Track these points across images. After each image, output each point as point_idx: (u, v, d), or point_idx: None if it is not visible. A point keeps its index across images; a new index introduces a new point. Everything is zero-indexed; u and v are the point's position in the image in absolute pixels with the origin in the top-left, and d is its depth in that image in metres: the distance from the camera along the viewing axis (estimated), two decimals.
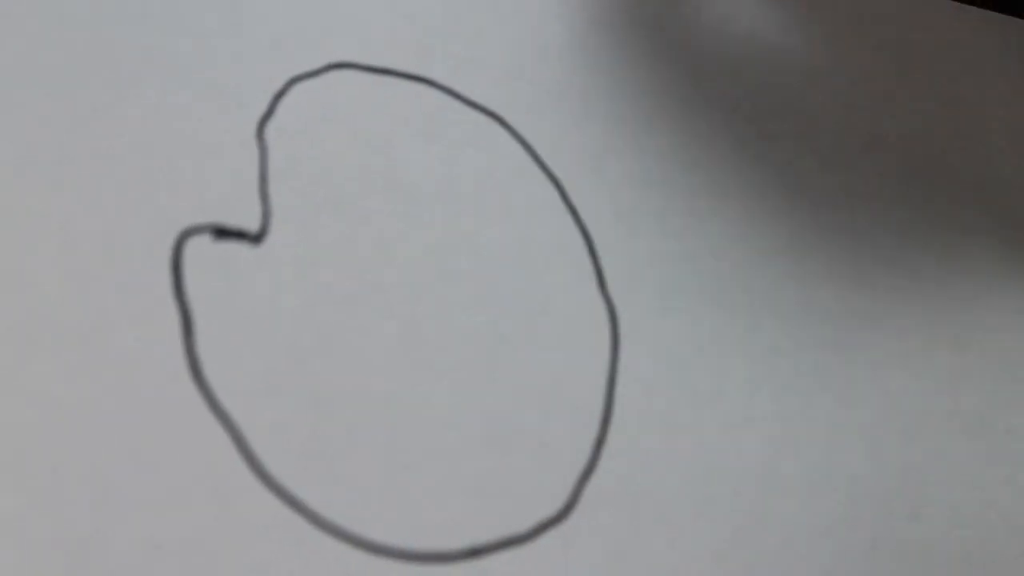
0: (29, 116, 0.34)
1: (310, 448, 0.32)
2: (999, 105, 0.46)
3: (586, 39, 0.42)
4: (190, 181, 0.35)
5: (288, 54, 0.37)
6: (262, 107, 0.36)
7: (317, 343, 0.34)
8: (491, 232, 0.38)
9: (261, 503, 0.31)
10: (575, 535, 0.34)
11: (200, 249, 0.34)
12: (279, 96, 0.37)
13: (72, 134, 0.34)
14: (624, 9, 0.43)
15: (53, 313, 0.32)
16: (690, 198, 0.41)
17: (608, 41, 0.42)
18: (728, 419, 0.37)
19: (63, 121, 0.34)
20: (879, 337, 0.40)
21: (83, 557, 0.29)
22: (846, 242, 0.42)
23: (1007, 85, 0.46)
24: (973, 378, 0.41)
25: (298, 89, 0.37)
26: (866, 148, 0.43)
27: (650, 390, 0.37)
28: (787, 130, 0.43)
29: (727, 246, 0.41)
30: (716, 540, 0.35)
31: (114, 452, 0.31)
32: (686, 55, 0.43)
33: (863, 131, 0.44)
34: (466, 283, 0.36)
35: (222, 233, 0.34)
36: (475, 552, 0.32)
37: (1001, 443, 0.40)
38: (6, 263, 0.32)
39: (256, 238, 0.34)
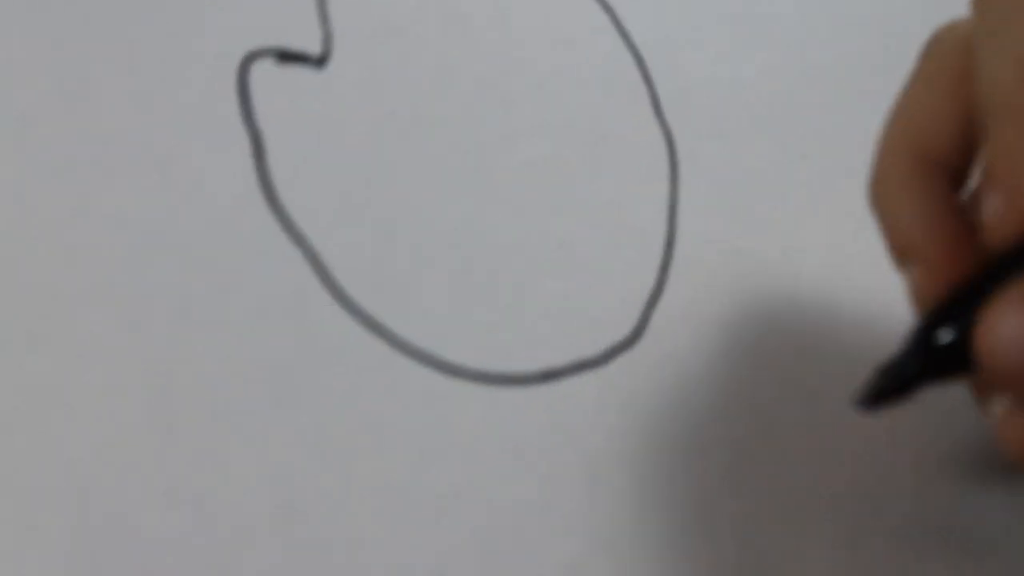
0: None
1: (385, 272, 0.32)
2: None
3: None
4: (250, 5, 0.34)
5: None
6: None
7: (385, 168, 0.33)
8: (547, 59, 0.37)
9: (340, 326, 0.31)
10: (645, 359, 0.34)
11: (265, 74, 0.33)
12: None
13: None
14: None
15: (125, 142, 0.32)
16: (742, 23, 0.41)
17: None
18: (787, 242, 0.37)
19: None
20: None
21: (169, 379, 0.29)
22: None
23: None
24: None
25: None
26: None
27: (710, 215, 0.37)
28: None
29: (778, 71, 0.40)
30: (780, 361, 0.36)
31: (193, 278, 0.31)
32: None
33: None
34: (524, 110, 0.36)
35: (285, 57, 0.33)
36: (549, 375, 0.32)
37: None
38: (80, 94, 0.32)
39: (319, 62, 0.34)
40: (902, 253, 0.30)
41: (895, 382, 0.30)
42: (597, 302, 0.34)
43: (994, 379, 0.27)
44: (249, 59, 0.33)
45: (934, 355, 0.29)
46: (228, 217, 0.31)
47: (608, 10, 0.39)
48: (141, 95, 0.32)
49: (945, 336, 0.29)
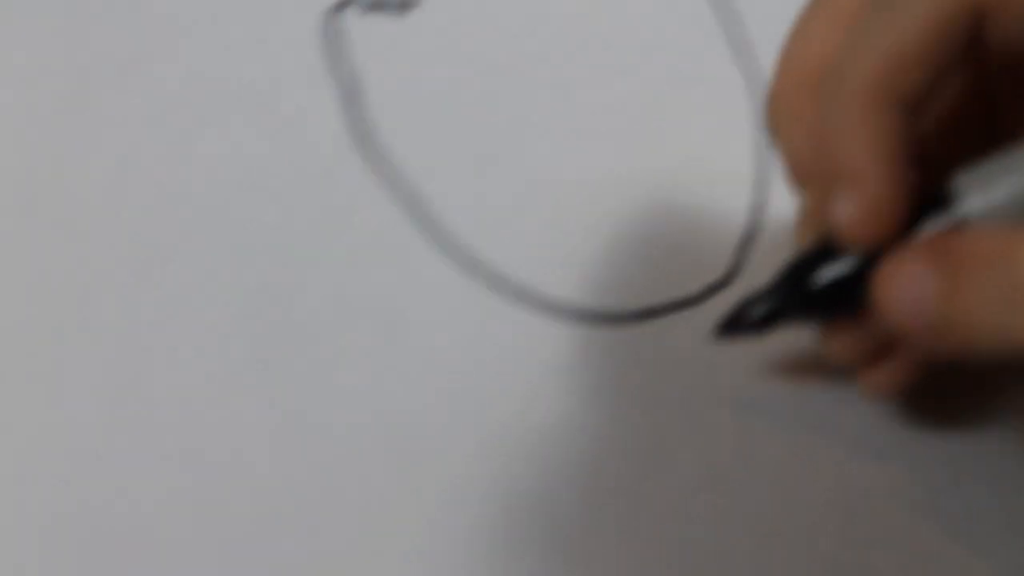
0: None
1: (481, 212, 0.32)
2: None
3: None
4: None
5: None
6: None
7: (476, 111, 0.33)
8: (635, 2, 0.37)
9: (437, 267, 0.31)
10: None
11: (352, 20, 0.34)
12: None
13: None
14: None
15: (219, 84, 0.32)
16: None
17: None
18: None
19: None
20: None
21: (272, 308, 0.30)
22: None
23: None
24: None
25: None
26: None
27: None
28: None
29: None
30: None
31: (293, 220, 0.31)
32: None
33: None
34: (613, 49, 0.36)
35: (372, 5, 0.33)
36: (648, 313, 0.32)
37: None
38: (170, 46, 0.32)
39: (404, 5, 0.34)
40: (794, 175, 0.30)
41: (756, 313, 0.30)
42: (692, 242, 0.34)
43: (889, 323, 0.27)
44: (339, 5, 0.33)
45: (806, 294, 0.29)
46: (322, 162, 0.32)
47: None
48: (230, 47, 0.33)
49: (822, 277, 0.29)
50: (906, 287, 0.27)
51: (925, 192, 0.28)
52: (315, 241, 0.31)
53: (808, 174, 0.30)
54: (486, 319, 0.31)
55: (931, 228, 0.28)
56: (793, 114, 0.30)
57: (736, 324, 0.30)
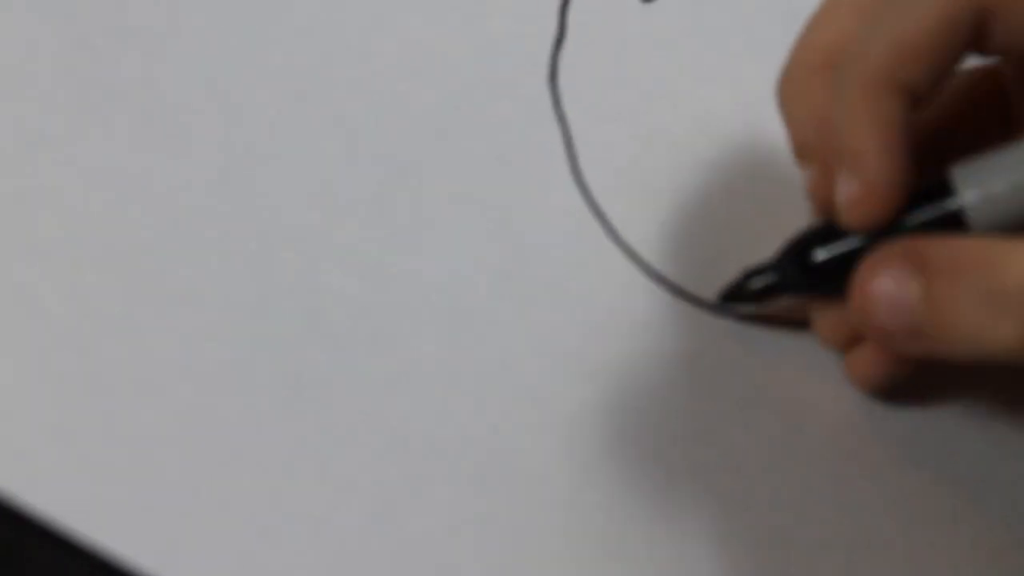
0: None
1: (630, 179, 0.37)
2: None
3: None
4: None
5: None
6: None
7: (665, 93, 0.38)
8: None
9: (573, 209, 0.36)
10: None
11: None
12: None
13: None
14: None
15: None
16: None
17: None
18: None
19: None
20: None
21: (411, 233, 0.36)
22: None
23: None
24: None
25: None
26: None
27: None
28: None
29: None
30: None
31: (465, 123, 0.37)
32: None
33: None
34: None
35: None
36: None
37: None
38: None
39: None
40: (800, 152, 0.31)
41: (762, 284, 0.32)
42: None
43: (864, 324, 0.29)
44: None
45: (804, 270, 0.31)
46: (512, 85, 0.37)
47: None
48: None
49: (819, 255, 0.30)
50: (887, 288, 0.28)
51: (925, 183, 0.29)
52: (486, 145, 0.37)
53: (812, 151, 0.31)
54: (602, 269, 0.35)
55: (927, 217, 0.29)
56: (802, 94, 0.31)
57: (737, 293, 0.33)
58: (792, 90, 0.32)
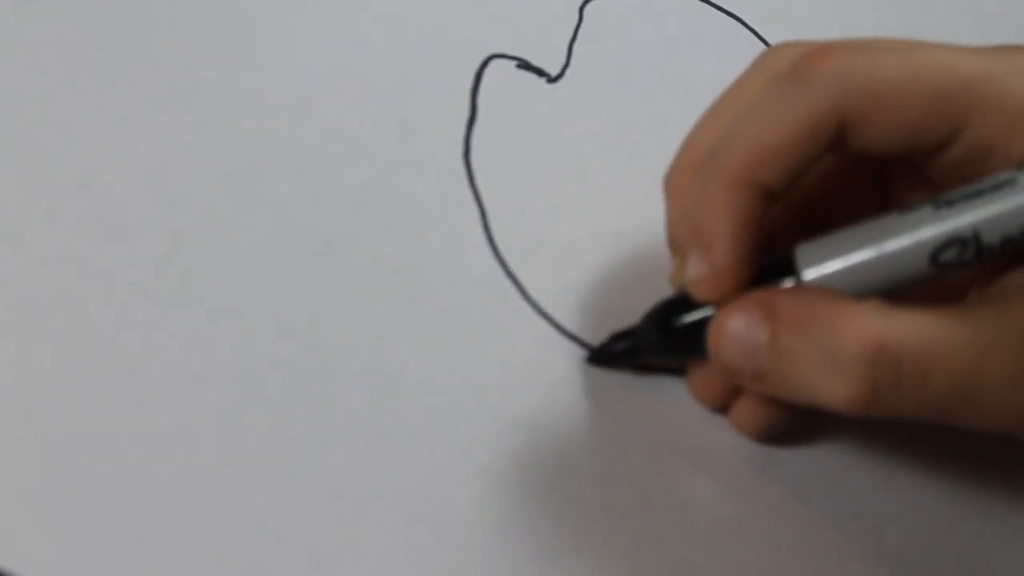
0: None
1: (541, 245, 0.40)
2: None
3: None
4: (515, 24, 0.43)
5: None
6: None
7: (571, 164, 0.41)
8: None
9: (489, 273, 0.39)
10: None
11: (503, 71, 0.43)
12: None
13: None
14: None
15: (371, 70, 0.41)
16: None
17: None
18: None
19: None
20: None
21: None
22: None
23: None
24: None
25: None
26: None
27: None
28: None
29: None
30: None
31: (387, 199, 0.39)
32: None
33: None
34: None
35: (525, 66, 0.43)
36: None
37: None
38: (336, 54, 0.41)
39: (551, 80, 0.43)
40: (672, 244, 0.34)
41: (627, 346, 0.35)
42: None
43: (718, 367, 0.32)
44: (495, 56, 0.42)
45: (668, 332, 0.34)
46: (429, 163, 0.40)
47: None
48: (398, 61, 0.42)
49: (680, 320, 0.33)
50: (737, 330, 0.31)
51: (771, 259, 0.32)
52: (398, 214, 0.39)
53: (679, 240, 0.33)
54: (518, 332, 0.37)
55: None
56: (678, 191, 0.33)
57: (603, 355, 0.36)
58: (673, 186, 0.34)
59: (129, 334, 0.34)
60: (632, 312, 0.37)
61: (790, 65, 0.31)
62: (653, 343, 0.35)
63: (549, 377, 0.37)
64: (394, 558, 0.33)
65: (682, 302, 0.34)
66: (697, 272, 0.32)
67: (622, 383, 0.37)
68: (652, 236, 0.39)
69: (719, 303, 0.32)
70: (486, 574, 0.33)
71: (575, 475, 0.35)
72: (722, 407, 0.36)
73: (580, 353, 0.38)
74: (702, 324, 0.33)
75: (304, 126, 0.40)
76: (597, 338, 0.38)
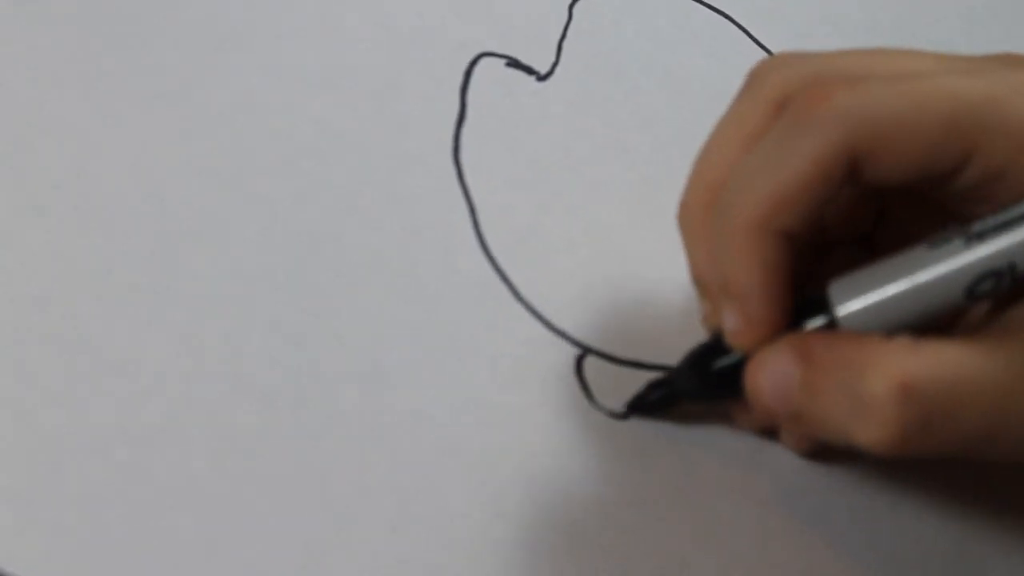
0: None
1: (531, 243, 0.40)
2: None
3: None
4: (506, 22, 0.43)
5: None
6: None
7: (560, 162, 0.41)
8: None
9: (479, 271, 0.39)
10: None
11: (493, 69, 0.43)
12: None
13: None
14: None
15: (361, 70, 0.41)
16: None
17: None
18: None
19: None
20: None
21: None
22: None
23: None
24: None
25: None
26: None
27: None
28: None
29: None
30: None
31: (376, 197, 0.39)
32: None
33: None
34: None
35: (514, 64, 0.43)
36: None
37: None
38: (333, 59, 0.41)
39: (541, 78, 0.43)
40: (698, 283, 0.34)
41: (664, 393, 0.35)
42: None
43: (756, 408, 0.32)
44: (484, 55, 0.43)
45: (705, 377, 0.34)
46: (419, 161, 0.40)
47: None
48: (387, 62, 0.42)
49: (717, 364, 0.33)
50: (773, 374, 0.31)
51: (806, 298, 0.32)
52: (392, 219, 0.39)
53: (706, 282, 0.34)
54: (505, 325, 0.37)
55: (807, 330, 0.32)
56: (695, 231, 0.33)
57: (641, 403, 0.36)
58: (689, 225, 0.34)
59: (120, 333, 0.34)
60: (622, 310, 0.37)
61: (789, 99, 0.31)
62: (691, 388, 0.35)
63: (539, 374, 0.37)
64: (384, 556, 0.33)
65: (717, 346, 0.34)
66: (734, 324, 0.32)
67: (612, 380, 0.37)
68: (642, 233, 0.39)
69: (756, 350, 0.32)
70: (477, 573, 0.33)
71: (566, 472, 0.35)
72: (769, 433, 0.37)
73: (570, 350, 0.38)
74: (738, 367, 0.33)
75: (294, 124, 0.40)
76: (586, 335, 0.38)
